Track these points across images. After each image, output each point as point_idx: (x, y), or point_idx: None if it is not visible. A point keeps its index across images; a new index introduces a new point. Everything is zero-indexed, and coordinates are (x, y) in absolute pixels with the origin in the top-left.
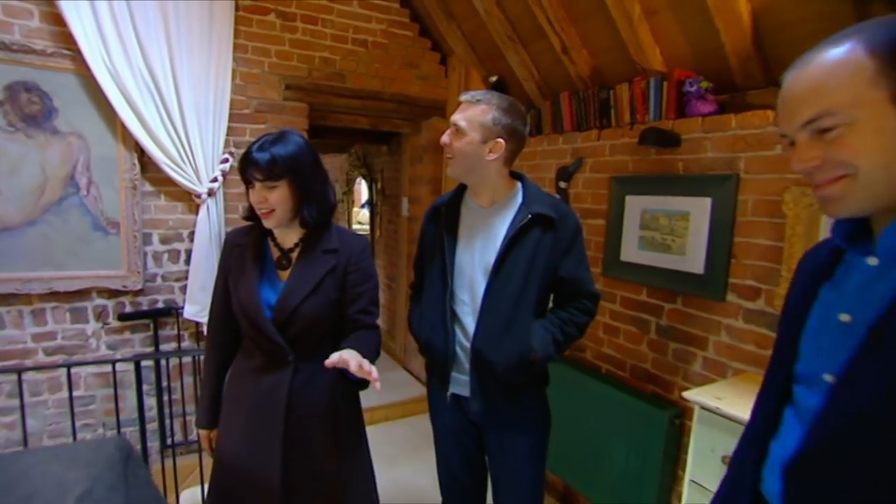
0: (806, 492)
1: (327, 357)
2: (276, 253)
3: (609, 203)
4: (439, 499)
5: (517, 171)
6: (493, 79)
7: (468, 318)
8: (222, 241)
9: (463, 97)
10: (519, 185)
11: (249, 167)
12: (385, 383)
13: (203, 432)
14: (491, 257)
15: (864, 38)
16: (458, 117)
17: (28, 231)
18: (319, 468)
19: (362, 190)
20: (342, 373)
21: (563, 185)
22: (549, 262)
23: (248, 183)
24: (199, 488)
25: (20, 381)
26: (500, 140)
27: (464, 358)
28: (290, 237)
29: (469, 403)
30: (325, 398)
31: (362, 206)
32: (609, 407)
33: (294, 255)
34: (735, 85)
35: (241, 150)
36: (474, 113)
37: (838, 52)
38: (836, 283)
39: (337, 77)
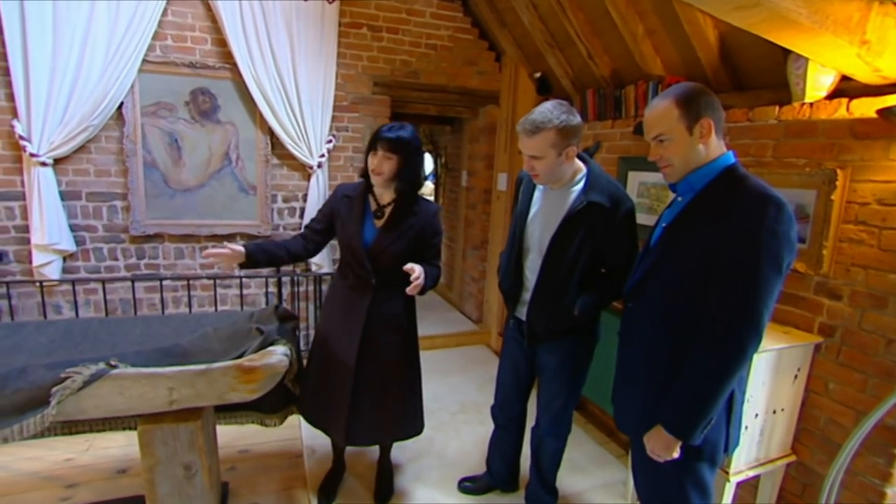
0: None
1: (401, 286)
2: (374, 206)
3: (617, 177)
4: (480, 399)
5: (582, 154)
6: (538, 75)
7: (531, 270)
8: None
9: (522, 129)
10: (584, 169)
11: (380, 140)
12: (443, 321)
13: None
14: (553, 228)
15: (674, 94)
16: (530, 150)
17: (200, 191)
18: (385, 357)
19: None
20: (407, 298)
21: None
22: (599, 239)
23: (374, 150)
24: None
25: (189, 292)
26: (571, 147)
27: (526, 297)
28: (385, 197)
29: (524, 326)
30: (393, 314)
31: (426, 178)
32: None
33: (387, 210)
34: (711, 88)
35: (342, 134)
36: (542, 140)
37: (664, 102)
38: (670, 208)
39: (412, 75)
